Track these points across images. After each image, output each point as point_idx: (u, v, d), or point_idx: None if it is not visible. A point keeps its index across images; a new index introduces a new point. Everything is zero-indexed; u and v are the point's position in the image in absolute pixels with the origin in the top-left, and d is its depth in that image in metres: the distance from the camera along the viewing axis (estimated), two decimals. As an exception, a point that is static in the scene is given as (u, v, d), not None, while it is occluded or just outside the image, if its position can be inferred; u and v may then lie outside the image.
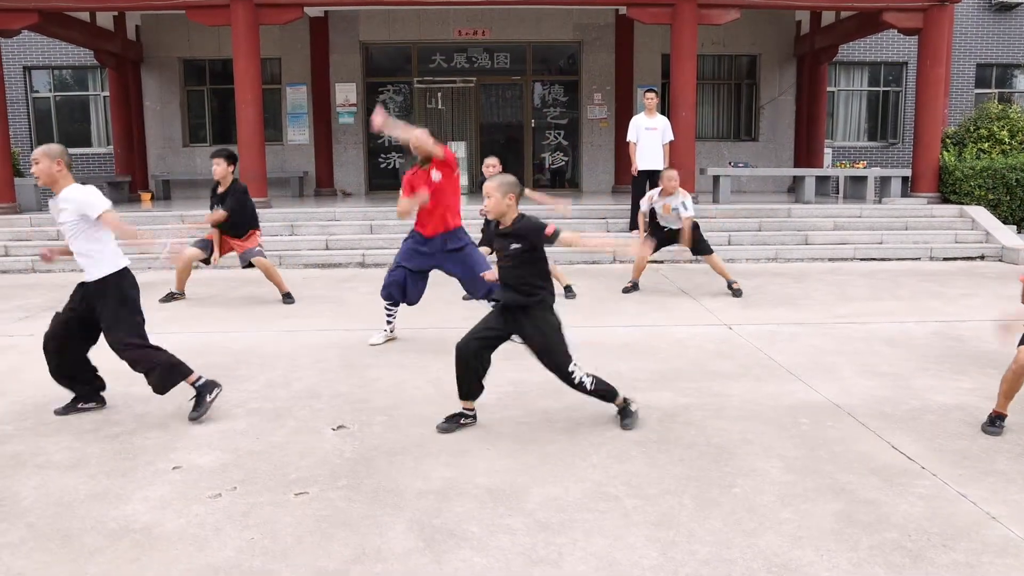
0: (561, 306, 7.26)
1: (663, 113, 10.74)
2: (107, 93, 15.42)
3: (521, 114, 15.72)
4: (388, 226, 10.62)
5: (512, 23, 14.80)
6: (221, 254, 7.59)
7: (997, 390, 4.10)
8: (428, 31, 14.93)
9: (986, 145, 12.58)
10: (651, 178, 10.09)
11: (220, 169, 7.32)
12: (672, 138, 10.21)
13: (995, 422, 4.09)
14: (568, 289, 7.69)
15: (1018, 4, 16.47)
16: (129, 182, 14.60)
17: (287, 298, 7.56)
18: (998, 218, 11.47)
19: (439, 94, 15.60)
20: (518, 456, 3.75)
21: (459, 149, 15.48)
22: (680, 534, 2.96)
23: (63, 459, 3.71)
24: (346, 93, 15.21)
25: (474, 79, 15.47)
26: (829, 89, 15.86)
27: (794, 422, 4.22)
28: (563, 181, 15.99)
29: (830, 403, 4.54)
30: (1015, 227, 11.47)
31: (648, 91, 10.24)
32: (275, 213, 10.83)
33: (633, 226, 10.36)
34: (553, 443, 3.91)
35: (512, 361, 5.42)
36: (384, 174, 15.89)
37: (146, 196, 13.93)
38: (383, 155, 15.84)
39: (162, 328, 6.53)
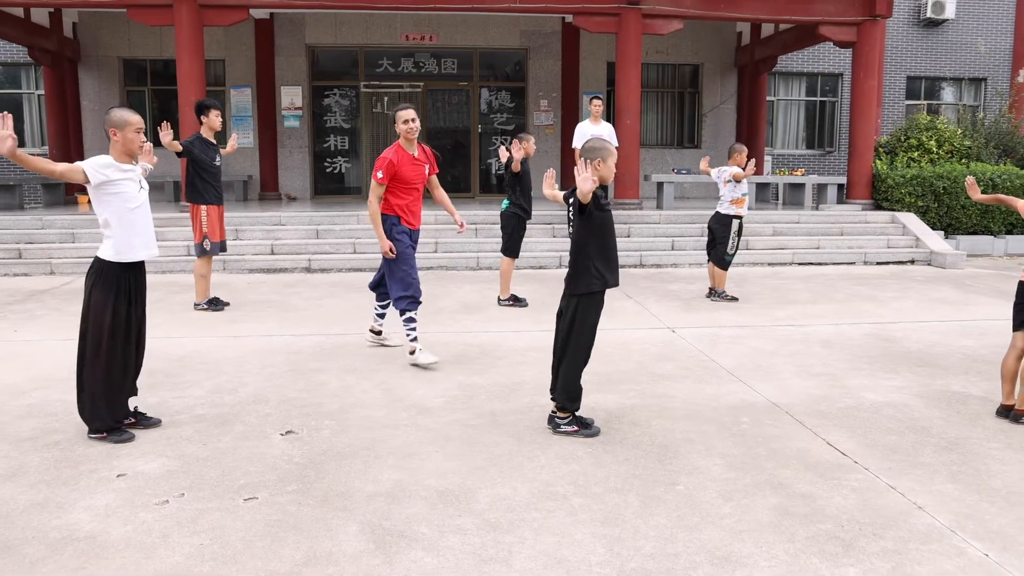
0: (505, 311, 7.37)
1: (608, 120, 10.91)
2: (42, 92, 14.96)
3: (468, 119, 15.77)
4: (335, 231, 10.55)
5: (459, 29, 14.87)
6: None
7: (925, 388, 4.30)
8: (375, 35, 14.89)
9: (916, 154, 13.10)
10: (597, 184, 10.24)
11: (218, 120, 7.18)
12: (617, 145, 10.38)
13: (1010, 414, 4.40)
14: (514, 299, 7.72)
15: (944, 21, 17.21)
16: (65, 184, 14.18)
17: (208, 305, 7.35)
18: (927, 224, 11.97)
19: (386, 98, 15.55)
20: (467, 458, 3.79)
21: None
22: (626, 531, 3.04)
23: (0, 468, 3.62)
24: (292, 96, 15.06)
25: (421, 84, 15.47)
26: (768, 98, 16.32)
27: (735, 421, 4.36)
28: (511, 186, 16.08)
29: (769, 402, 4.70)
30: (942, 233, 11.98)
31: (594, 98, 10.40)
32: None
33: (580, 231, 10.49)
34: (501, 445, 3.97)
35: (460, 365, 5.48)
36: (330, 178, 15.77)
37: (83, 199, 13.55)
38: (329, 159, 15.71)
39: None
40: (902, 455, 3.86)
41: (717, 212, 8.02)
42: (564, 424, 4.14)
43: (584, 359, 4.14)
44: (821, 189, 13.00)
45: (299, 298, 8.12)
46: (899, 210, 12.14)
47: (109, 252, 3.93)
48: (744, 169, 7.71)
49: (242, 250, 10.06)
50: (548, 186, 4.64)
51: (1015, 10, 17.72)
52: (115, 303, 3.93)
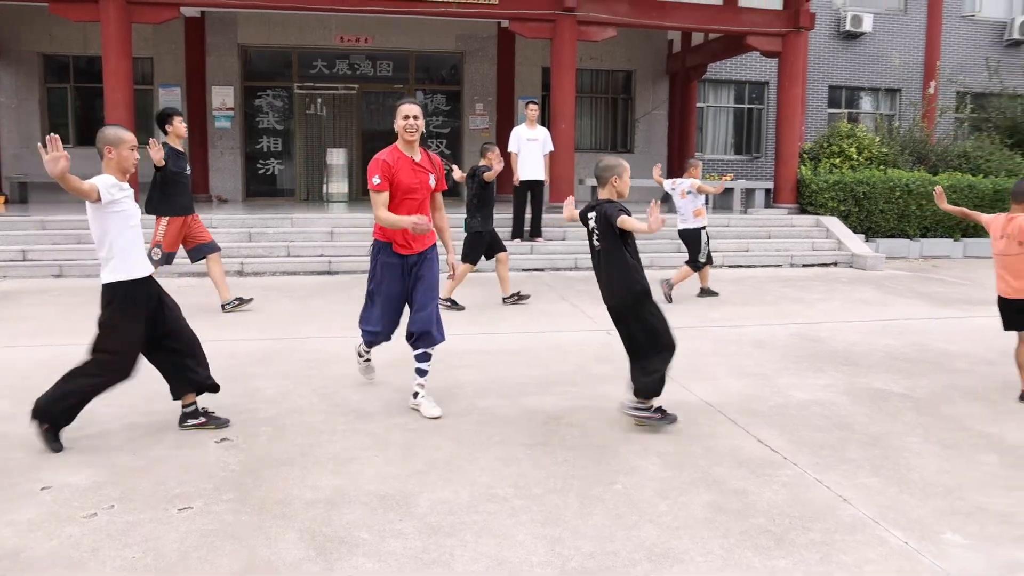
0: (445, 315, 7.36)
1: (544, 124, 11.02)
2: (-47, 89, 14.27)
3: (404, 122, 15.67)
4: (268, 234, 10.36)
5: (395, 31, 14.78)
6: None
7: (849, 386, 4.48)
8: (309, 36, 14.69)
9: (837, 160, 13.61)
10: (532, 188, 10.34)
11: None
12: (552, 149, 10.50)
13: None
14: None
15: (863, 34, 17.94)
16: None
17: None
18: (849, 227, 12.45)
19: (319, 100, 15.35)
20: (407, 462, 3.78)
21: (339, 156, 15.30)
22: (566, 531, 3.09)
23: (-86, 484, 3.44)
24: (223, 96, 14.72)
25: (356, 86, 15.33)
26: (699, 105, 16.73)
27: (670, 421, 4.46)
28: (447, 190, 16.04)
29: (703, 402, 4.83)
30: (863, 236, 12.48)
31: (529, 103, 10.50)
32: (146, 219, 10.33)
33: (516, 235, 10.57)
34: (441, 448, 3.97)
35: (399, 368, 5.45)
36: (263, 180, 15.48)
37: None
38: (261, 161, 15.41)
39: (27, 340, 6.14)
40: (829, 451, 4.02)
41: (684, 229, 8.25)
42: (646, 412, 4.32)
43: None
44: (749, 194, 13.40)
45: (231, 303, 7.93)
46: (823, 214, 12.60)
47: (121, 272, 3.89)
48: (719, 180, 8.17)
49: (171, 254, 9.78)
50: (569, 212, 4.72)
51: (926, 26, 18.60)
52: (140, 323, 3.95)
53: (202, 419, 4.23)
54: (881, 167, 13.57)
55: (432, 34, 14.99)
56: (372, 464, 3.75)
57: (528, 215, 10.57)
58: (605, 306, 4.49)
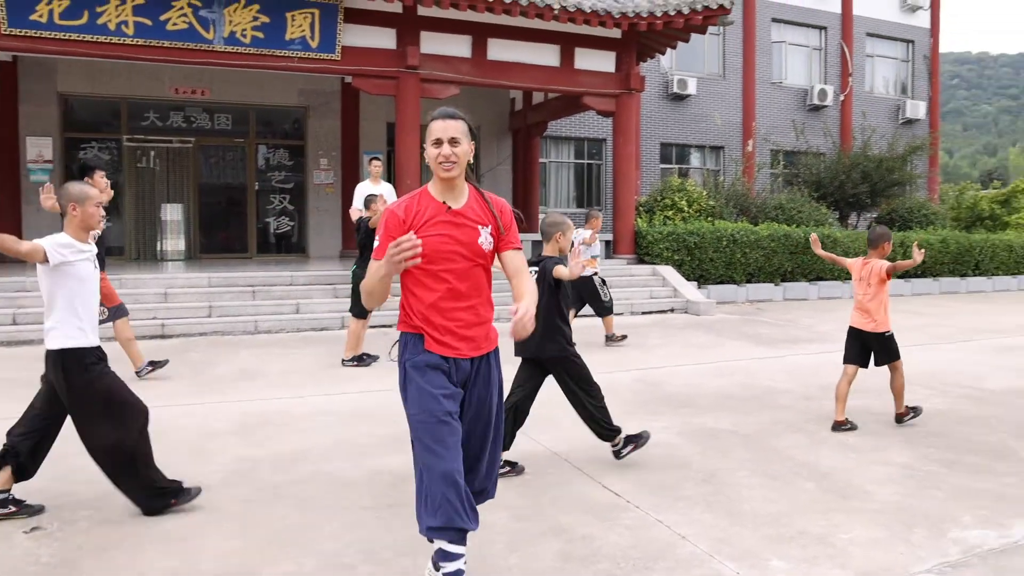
0: (288, 376, 7.10)
1: (389, 181, 11.04)
2: None
3: (244, 177, 15.23)
4: (93, 296, 9.62)
5: (234, 84, 14.40)
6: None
7: (685, 426, 4.73)
8: (140, 87, 14.02)
9: (670, 213, 14.52)
10: (379, 243, 10.28)
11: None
12: (398, 204, 10.50)
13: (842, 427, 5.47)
14: None
15: (688, 96, 19.41)
16: None
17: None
18: (683, 276, 13.24)
19: (152, 153, 14.62)
20: (248, 536, 3.58)
21: (175, 212, 14.59)
22: (415, 594, 3.02)
23: None
24: (40, 148, 13.69)
25: (192, 139, 14.74)
26: (541, 160, 17.38)
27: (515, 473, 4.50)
28: (289, 246, 15.66)
29: (550, 452, 4.91)
30: (696, 283, 13.30)
31: (373, 159, 10.47)
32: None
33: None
34: (284, 519, 3.80)
35: (240, 436, 5.20)
36: (88, 238, 14.42)
37: None
38: (86, 217, 14.40)
39: None
40: (668, 491, 4.19)
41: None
42: (625, 449, 4.63)
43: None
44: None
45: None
46: (659, 263, 13.33)
47: (69, 340, 3.63)
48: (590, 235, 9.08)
49: (-23, 321, 8.88)
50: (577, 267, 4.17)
51: (742, 91, 20.41)
52: (96, 388, 3.73)
53: (11, 508, 3.80)
54: (709, 219, 14.60)
55: (274, 88, 14.73)
56: (210, 540, 3.52)
57: (375, 270, 10.47)
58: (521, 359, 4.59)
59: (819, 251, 6.14)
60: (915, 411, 5.73)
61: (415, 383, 2.80)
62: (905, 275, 15.31)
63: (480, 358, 2.90)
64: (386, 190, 10.33)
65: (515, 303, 2.79)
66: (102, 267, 6.75)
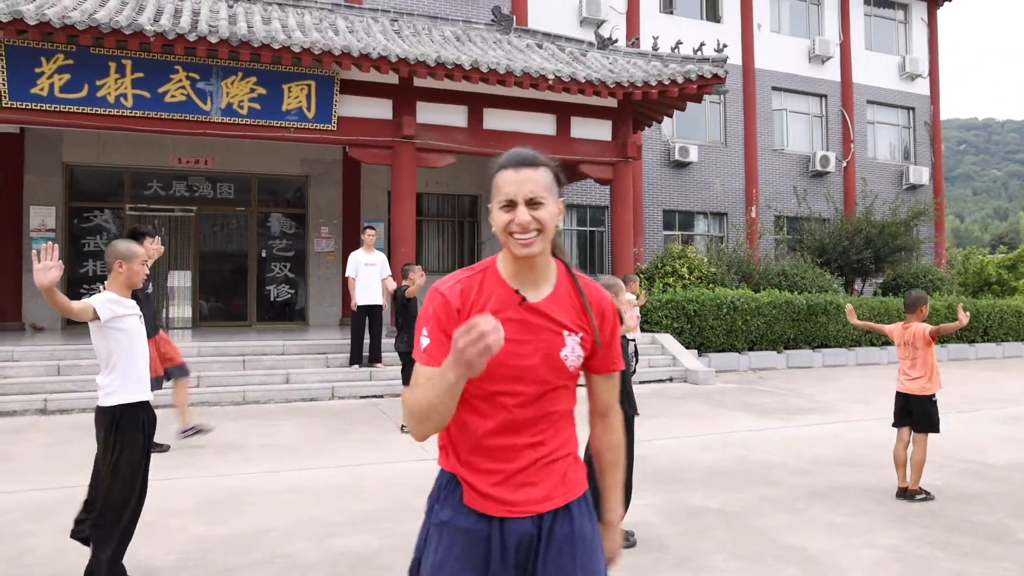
0: (268, 450, 6.85)
1: (384, 248, 11.04)
2: None
3: (246, 245, 15.31)
4: (80, 366, 9.52)
5: (236, 154, 14.61)
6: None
7: (669, 504, 4.50)
8: (143, 156, 14.24)
9: (671, 280, 14.41)
10: (370, 313, 10.21)
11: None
12: (390, 273, 10.48)
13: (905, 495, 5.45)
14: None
15: (690, 163, 19.53)
16: None
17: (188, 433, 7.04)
18: (682, 343, 13.03)
19: (156, 222, 14.74)
20: (184, 627, 3.38)
21: (180, 279, 14.63)
22: None
23: None
24: (43, 217, 13.84)
25: (195, 208, 14.89)
26: (542, 228, 17.40)
27: (485, 555, 4.28)
28: (291, 314, 15.62)
29: (521, 532, 4.69)
30: (696, 351, 13.08)
31: (367, 227, 10.53)
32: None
33: (354, 361, 10.31)
34: (228, 606, 3.59)
35: (202, 514, 5.01)
36: (87, 306, 14.44)
37: None
38: (87, 286, 14.46)
39: None
40: (639, 574, 3.95)
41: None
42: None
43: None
44: (590, 312, 13.83)
45: (26, 445, 7.15)
46: (658, 331, 13.15)
47: (124, 395, 3.74)
48: (637, 297, 8.76)
49: (-38, 391, 8.78)
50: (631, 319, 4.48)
51: (744, 158, 20.54)
52: (145, 449, 3.82)
53: None
54: (710, 285, 14.47)
55: (276, 157, 14.92)
56: (142, 632, 3.32)
57: (367, 340, 10.37)
58: None
59: (855, 320, 6.14)
60: (928, 495, 5.47)
61: (430, 559, 1.88)
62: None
63: (554, 513, 1.89)
64: (379, 259, 10.33)
65: (601, 467, 2.05)
66: (155, 329, 6.91)
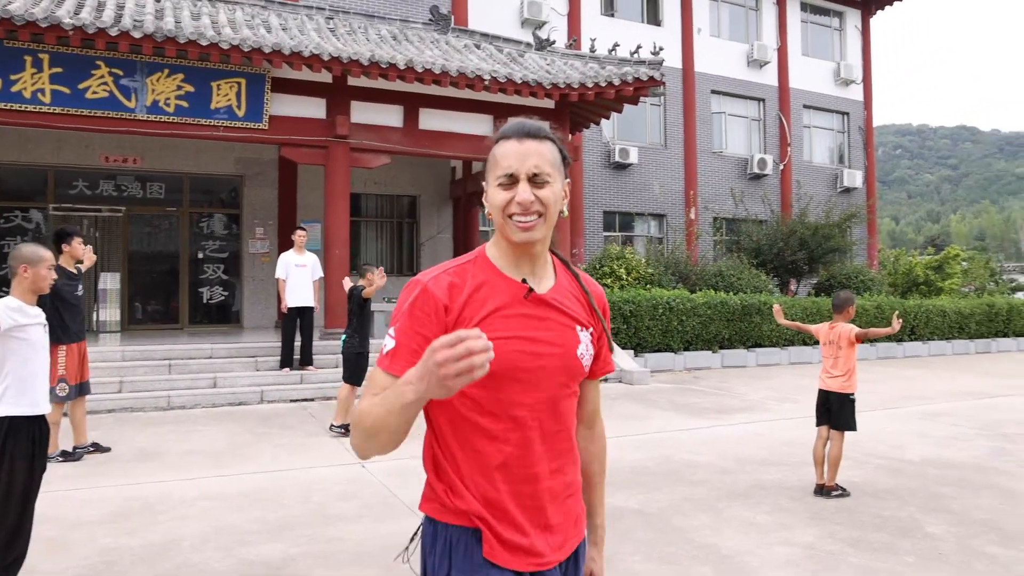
0: (189, 457, 6.62)
1: (319, 250, 10.85)
2: None
3: (177, 246, 14.89)
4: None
5: (167, 153, 14.21)
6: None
7: (615, 500, 4.49)
8: (69, 155, 13.73)
9: (609, 280, 14.50)
10: (301, 315, 10.03)
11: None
12: (322, 275, 10.30)
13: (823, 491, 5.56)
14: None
15: (630, 165, 19.71)
16: None
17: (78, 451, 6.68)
18: (619, 344, 13.12)
19: (83, 222, 14.24)
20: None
21: (108, 281, 14.16)
22: None
23: None
24: (-41, 218, 13.27)
25: (123, 208, 14.42)
26: (482, 228, 17.33)
27: (400, 561, 4.21)
28: (225, 316, 15.26)
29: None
30: (632, 351, 13.19)
31: (298, 229, 10.35)
32: None
33: (284, 364, 10.11)
34: (123, 622, 3.45)
35: (113, 524, 4.83)
36: (9, 310, 13.87)
37: None
38: (5, 289, 13.88)
39: None
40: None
41: None
42: None
43: None
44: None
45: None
46: (596, 332, 13.18)
47: (18, 406, 3.48)
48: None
49: None
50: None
51: (683, 160, 20.83)
52: (32, 463, 3.57)
53: None
54: (647, 286, 14.60)
55: (209, 156, 14.56)
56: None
57: (297, 343, 10.17)
58: None
59: (782, 320, 6.17)
60: (844, 492, 5.58)
61: None
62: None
63: (567, 563, 1.65)
64: (310, 260, 10.16)
65: (587, 486, 1.81)
66: (82, 336, 6.72)
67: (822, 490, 5.58)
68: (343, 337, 7.90)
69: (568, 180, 1.63)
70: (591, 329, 1.68)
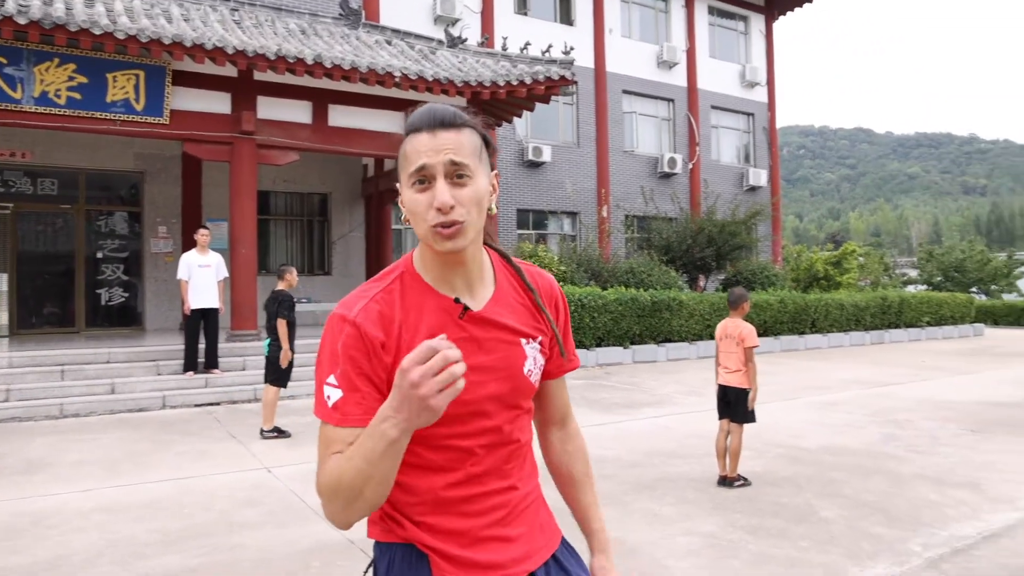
0: (81, 468, 6.31)
1: (224, 249, 10.52)
2: None
3: (73, 245, 14.16)
4: None
5: (61, 147, 13.49)
6: None
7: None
8: (-51, 149, 12.88)
9: (523, 278, 14.55)
10: (205, 316, 9.71)
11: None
12: (227, 275, 10.00)
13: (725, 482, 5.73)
14: None
15: (543, 163, 19.88)
16: None
17: None
18: (534, 341, 13.20)
19: (-33, 220, 13.39)
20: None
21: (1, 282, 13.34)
22: None
23: None
24: None
25: (11, 205, 13.61)
26: (394, 227, 17.17)
27: (305, 566, 4.13)
28: (127, 319, 14.60)
29: (346, 540, 4.56)
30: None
31: (200, 228, 10.00)
32: None
33: (188, 367, 9.76)
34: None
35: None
36: None
37: None
38: None
39: None
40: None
41: None
42: None
43: None
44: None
45: None
46: (511, 329, 13.26)
47: None
48: None
49: None
50: None
51: (596, 158, 21.15)
52: None
53: None
54: (560, 283, 14.77)
55: (107, 152, 13.90)
56: None
57: (202, 345, 9.84)
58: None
59: None
60: (745, 481, 5.77)
61: None
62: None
63: (547, 566, 1.54)
64: (214, 260, 9.84)
65: (575, 496, 1.70)
66: None
67: (725, 481, 5.76)
68: (267, 341, 7.70)
69: (496, 172, 1.44)
70: (540, 338, 1.51)
